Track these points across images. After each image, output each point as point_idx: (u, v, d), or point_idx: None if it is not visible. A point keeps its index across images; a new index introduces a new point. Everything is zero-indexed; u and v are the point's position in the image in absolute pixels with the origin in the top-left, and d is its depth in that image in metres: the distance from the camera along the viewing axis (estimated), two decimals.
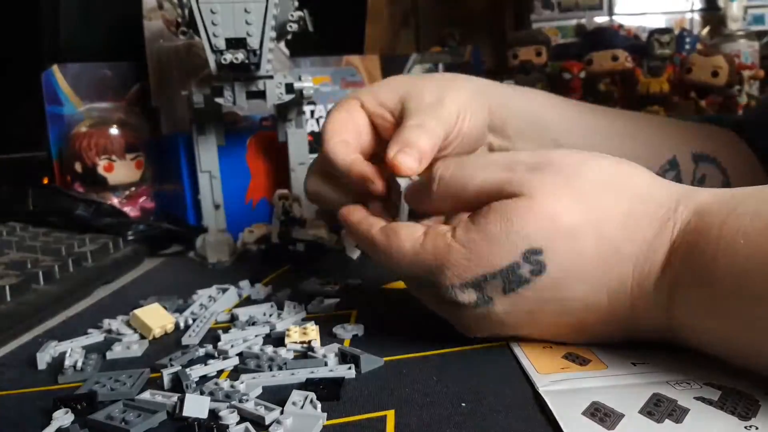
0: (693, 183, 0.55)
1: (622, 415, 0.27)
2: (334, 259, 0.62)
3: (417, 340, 0.39)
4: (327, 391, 0.32)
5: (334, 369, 0.35)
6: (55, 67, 0.79)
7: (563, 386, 0.31)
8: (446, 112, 0.45)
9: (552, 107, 0.53)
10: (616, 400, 0.28)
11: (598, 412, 0.28)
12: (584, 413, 0.28)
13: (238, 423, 0.29)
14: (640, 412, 0.28)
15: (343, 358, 0.36)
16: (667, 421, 0.27)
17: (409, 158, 0.40)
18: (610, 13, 1.56)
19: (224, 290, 0.51)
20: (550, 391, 0.30)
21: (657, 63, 1.22)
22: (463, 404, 0.30)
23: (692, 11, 1.58)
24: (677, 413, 0.27)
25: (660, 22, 1.51)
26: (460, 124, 0.46)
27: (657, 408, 0.28)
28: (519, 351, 0.35)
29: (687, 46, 1.31)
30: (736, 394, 0.29)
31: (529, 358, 0.34)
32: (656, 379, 0.31)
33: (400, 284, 0.48)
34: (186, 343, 0.41)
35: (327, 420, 0.30)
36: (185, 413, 0.30)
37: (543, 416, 0.29)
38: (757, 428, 0.26)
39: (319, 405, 0.30)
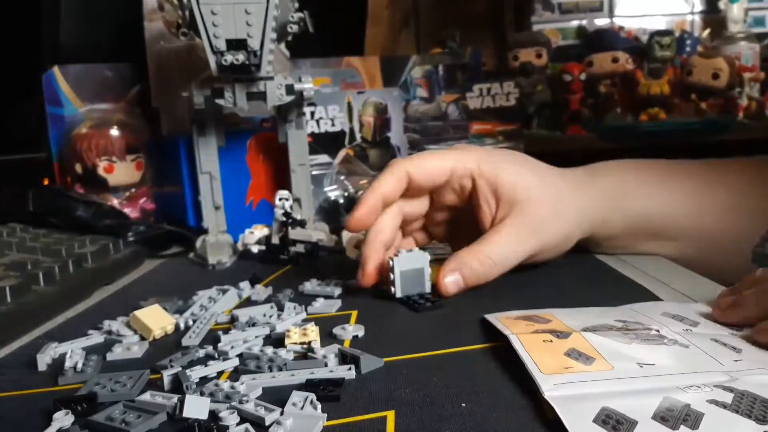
0: None
1: (636, 422, 0.26)
2: (334, 260, 0.62)
3: (417, 341, 0.39)
4: (327, 391, 0.32)
5: (334, 370, 0.35)
6: (55, 68, 0.79)
7: (570, 391, 0.29)
8: (541, 242, 0.49)
9: (647, 197, 0.54)
10: (626, 406, 0.27)
11: (609, 419, 0.27)
12: (595, 421, 0.27)
13: (238, 424, 0.29)
14: (654, 418, 0.27)
15: (343, 358, 0.36)
16: (682, 427, 0.26)
17: (453, 288, 0.47)
18: (611, 14, 1.56)
19: (224, 291, 0.51)
20: (557, 397, 0.29)
21: (657, 65, 1.22)
22: (463, 404, 0.30)
23: (693, 13, 1.58)
24: (692, 418, 0.26)
25: (660, 24, 1.51)
26: (546, 255, 0.51)
27: (670, 413, 0.27)
28: (520, 347, 0.34)
29: (687, 48, 1.31)
30: (750, 398, 0.28)
31: (531, 356, 0.33)
32: (665, 384, 0.30)
33: None
34: (186, 344, 0.41)
35: (327, 421, 0.30)
36: (185, 414, 0.30)
37: (543, 418, 0.29)
38: None
39: (319, 406, 0.30)
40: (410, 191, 0.51)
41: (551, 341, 0.35)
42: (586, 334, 0.36)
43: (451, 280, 0.47)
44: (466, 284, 0.47)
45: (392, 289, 0.47)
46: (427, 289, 0.48)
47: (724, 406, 0.27)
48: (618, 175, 0.56)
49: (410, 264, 0.47)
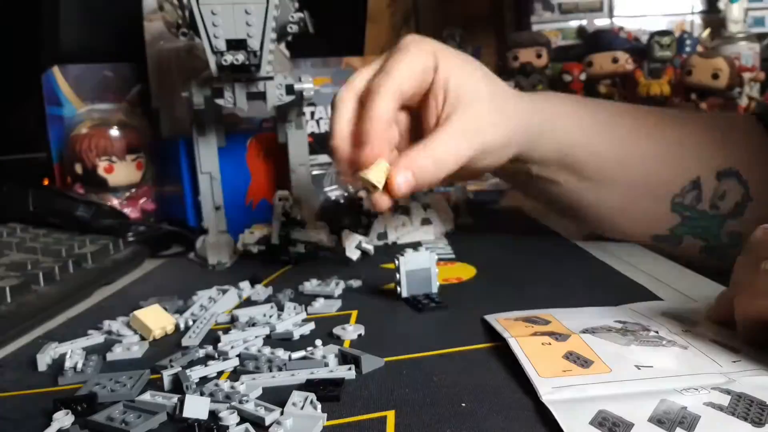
0: (713, 200, 0.56)
1: (632, 425, 0.26)
2: (334, 260, 0.62)
3: (417, 340, 0.39)
4: (327, 391, 0.32)
5: (334, 370, 0.35)
6: (55, 69, 0.79)
7: (567, 394, 0.30)
8: (483, 143, 0.49)
9: (576, 127, 0.55)
10: (623, 409, 0.28)
11: (606, 422, 0.27)
12: (592, 423, 0.27)
13: (238, 424, 0.29)
14: (650, 420, 0.27)
15: (344, 358, 0.36)
16: (678, 429, 0.26)
17: (405, 187, 0.46)
18: (611, 15, 1.56)
19: (224, 291, 0.51)
20: (554, 401, 0.29)
21: (657, 65, 1.22)
22: (463, 404, 0.30)
23: (693, 13, 1.58)
24: (688, 420, 0.26)
25: (660, 25, 1.51)
26: (487, 161, 0.51)
27: (667, 416, 0.27)
28: (518, 350, 0.34)
29: (687, 48, 1.31)
30: (747, 400, 0.28)
31: (529, 359, 0.33)
32: (663, 386, 0.30)
33: None
34: (186, 344, 0.41)
35: (327, 421, 0.30)
36: (185, 414, 0.30)
37: (543, 418, 0.29)
38: None
39: (319, 406, 0.30)
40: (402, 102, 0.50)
41: (550, 344, 0.35)
42: (584, 336, 0.36)
43: (402, 179, 0.46)
44: (416, 182, 0.47)
45: (398, 288, 0.47)
46: (434, 289, 0.47)
47: (720, 408, 0.27)
48: (556, 102, 0.56)
49: (416, 264, 0.47)
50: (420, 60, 0.48)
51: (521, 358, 0.34)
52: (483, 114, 0.49)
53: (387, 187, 0.46)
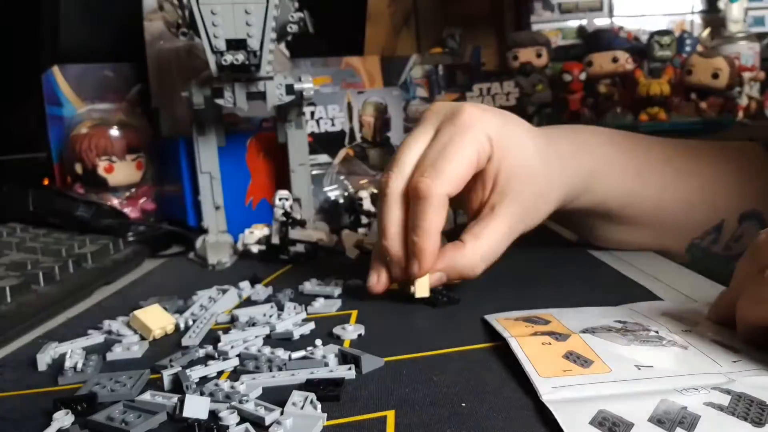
0: (728, 242, 0.56)
1: (632, 425, 0.26)
2: (334, 260, 0.62)
3: (417, 340, 0.39)
4: (327, 391, 0.32)
5: (334, 369, 0.35)
6: (55, 68, 0.79)
7: (567, 394, 0.30)
8: (527, 227, 0.48)
9: (615, 179, 0.53)
10: (623, 409, 0.27)
11: (606, 421, 0.27)
12: (592, 423, 0.27)
13: (238, 424, 0.29)
14: (650, 420, 0.27)
15: (344, 358, 0.36)
16: (678, 429, 0.26)
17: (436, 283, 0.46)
18: (611, 14, 1.56)
19: (224, 291, 0.51)
20: (554, 401, 0.29)
21: (657, 65, 1.22)
22: (463, 404, 0.30)
23: (693, 13, 1.58)
24: (688, 420, 0.26)
25: (660, 24, 1.51)
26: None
27: (667, 416, 0.27)
28: (518, 349, 0.34)
29: (687, 48, 1.31)
30: (747, 400, 0.28)
31: (529, 359, 0.33)
32: (663, 386, 0.30)
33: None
34: (186, 344, 0.41)
35: (327, 420, 0.30)
36: (185, 414, 0.30)
37: (543, 418, 0.29)
38: None
39: (319, 405, 0.30)
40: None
41: (550, 344, 0.35)
42: (585, 335, 0.36)
43: (436, 278, 0.46)
44: (449, 280, 0.47)
45: (411, 288, 0.46)
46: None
47: (720, 408, 0.27)
48: (596, 153, 0.53)
49: None
50: (476, 150, 0.45)
51: (521, 357, 0.33)
52: (531, 200, 0.48)
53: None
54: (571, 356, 0.33)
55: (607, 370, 0.32)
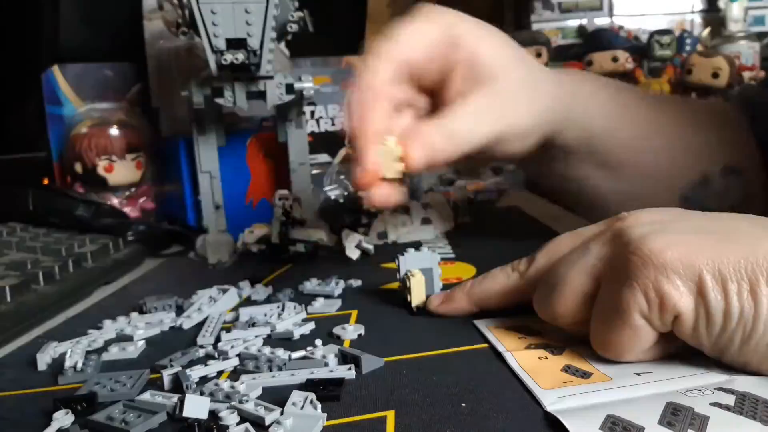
0: (717, 196, 0.55)
1: (643, 428, 0.26)
2: (334, 260, 0.62)
3: (417, 340, 0.39)
4: (327, 391, 0.32)
5: (334, 369, 0.35)
6: (55, 68, 0.79)
7: (572, 403, 0.29)
8: (509, 124, 0.45)
9: (600, 112, 0.52)
10: (631, 413, 0.27)
11: (616, 426, 0.27)
12: (602, 428, 0.26)
13: (238, 423, 0.29)
14: (660, 423, 0.27)
15: (344, 358, 0.36)
16: (689, 431, 0.26)
17: (420, 162, 0.41)
18: (611, 14, 1.56)
19: (224, 291, 0.50)
20: (560, 410, 0.29)
21: (657, 64, 1.22)
22: (463, 404, 0.30)
23: (693, 12, 1.58)
24: (698, 422, 0.26)
25: (660, 24, 1.51)
26: (512, 146, 0.47)
27: (675, 418, 0.27)
28: (515, 365, 0.34)
29: (687, 48, 1.31)
30: (752, 399, 0.28)
31: (528, 373, 0.33)
32: (666, 389, 0.30)
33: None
34: (201, 344, 0.41)
35: (327, 420, 0.30)
36: (185, 414, 0.30)
37: (544, 418, 0.29)
38: None
39: (319, 405, 0.30)
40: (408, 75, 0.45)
41: (546, 357, 0.35)
42: (579, 347, 0.35)
43: (418, 156, 0.41)
44: (433, 161, 0.42)
45: (409, 297, 0.45)
46: (437, 290, 0.46)
47: (727, 408, 0.27)
48: (581, 83, 0.52)
49: (418, 264, 0.47)
50: (431, 30, 0.43)
51: (520, 373, 0.33)
52: (511, 90, 0.44)
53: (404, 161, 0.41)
54: (570, 369, 0.33)
55: (608, 378, 0.32)
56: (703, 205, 0.55)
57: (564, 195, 0.60)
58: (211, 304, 0.48)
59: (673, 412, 0.27)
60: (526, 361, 0.35)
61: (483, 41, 0.44)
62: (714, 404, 0.28)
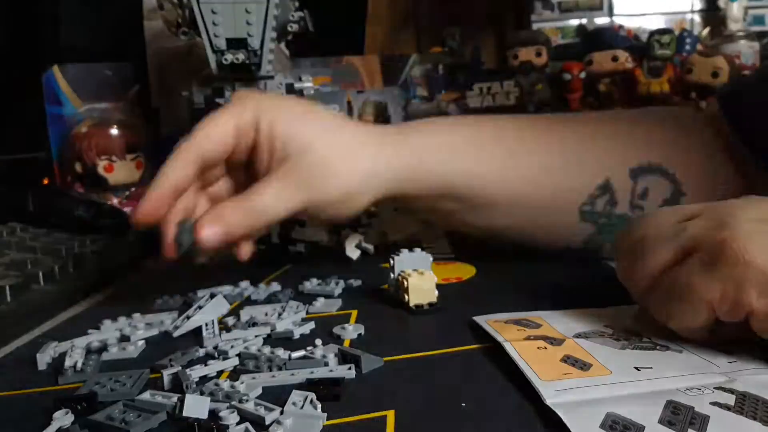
0: (633, 200, 0.53)
1: (643, 427, 0.26)
2: (334, 260, 0.62)
3: (417, 340, 0.39)
4: (327, 391, 0.32)
5: (334, 370, 0.35)
6: (55, 68, 0.79)
7: (572, 397, 0.29)
8: (318, 195, 0.46)
9: (452, 156, 0.51)
10: (631, 410, 0.27)
11: (616, 424, 0.27)
12: (602, 426, 0.26)
13: (238, 423, 0.29)
14: (660, 422, 0.27)
15: (344, 358, 0.36)
16: (690, 430, 0.26)
17: (213, 238, 0.43)
18: (611, 13, 1.56)
19: (224, 291, 0.51)
20: (559, 404, 0.29)
21: (657, 63, 1.22)
22: (463, 404, 0.30)
23: (692, 12, 1.57)
24: (698, 421, 0.26)
25: (660, 23, 1.51)
26: (338, 209, 0.48)
27: (676, 417, 0.27)
28: (515, 354, 0.34)
29: (687, 47, 1.31)
30: (753, 399, 0.28)
31: (527, 363, 0.33)
32: (666, 386, 0.30)
33: None
34: (207, 345, 0.40)
35: (327, 420, 0.30)
36: (185, 414, 0.30)
37: (544, 418, 0.29)
38: None
39: (319, 405, 0.30)
40: (206, 165, 0.47)
41: (545, 348, 0.35)
42: (579, 340, 0.36)
43: (209, 232, 0.43)
44: (227, 234, 0.44)
45: (406, 297, 0.45)
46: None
47: (728, 408, 0.27)
48: (430, 133, 0.52)
49: (412, 264, 0.47)
50: (228, 118, 0.46)
51: (519, 362, 0.33)
52: (316, 164, 0.46)
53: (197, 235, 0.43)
54: (569, 360, 0.33)
55: (607, 372, 0.32)
56: (611, 214, 0.53)
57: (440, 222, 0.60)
58: (211, 305, 0.48)
59: (674, 411, 0.27)
60: (526, 351, 0.34)
61: (286, 122, 0.46)
62: (714, 403, 0.28)
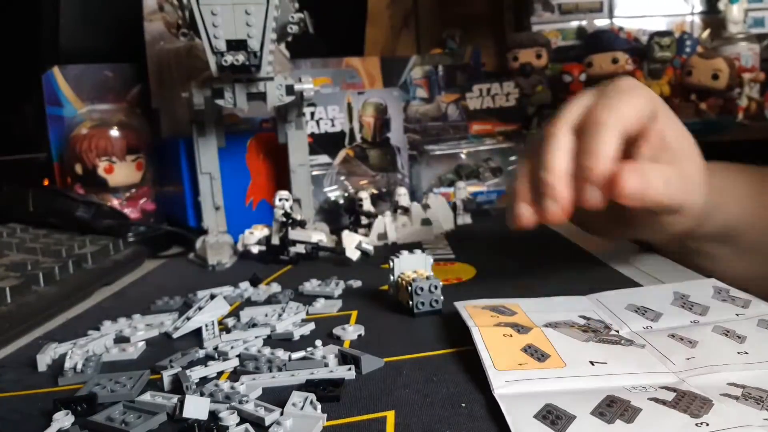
0: None
1: (574, 417, 0.27)
2: (334, 261, 0.62)
3: (417, 341, 0.39)
4: (327, 391, 0.32)
5: (334, 370, 0.35)
6: (55, 69, 0.79)
7: (519, 388, 0.30)
8: (690, 199, 0.46)
9: (738, 202, 0.52)
10: (569, 403, 0.28)
11: (550, 414, 0.28)
12: (536, 416, 0.27)
13: (238, 424, 0.29)
14: (592, 413, 0.27)
15: (344, 358, 0.36)
16: (618, 421, 0.27)
17: (637, 189, 0.42)
18: (611, 15, 1.56)
19: (223, 292, 0.50)
20: (504, 395, 0.30)
21: (657, 65, 1.22)
22: (463, 404, 0.30)
23: (692, 14, 1.58)
24: (629, 413, 0.27)
25: (660, 25, 1.51)
26: (672, 225, 0.48)
27: (609, 409, 0.28)
28: (479, 340, 0.35)
29: (687, 49, 1.31)
30: (691, 396, 0.28)
31: (488, 350, 0.34)
32: (613, 383, 0.30)
33: None
34: (207, 346, 0.40)
35: (327, 421, 0.30)
36: (185, 414, 0.30)
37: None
38: (707, 424, 0.26)
39: (319, 406, 0.30)
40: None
41: (511, 335, 0.36)
42: (546, 329, 0.36)
43: (636, 181, 0.42)
44: (642, 196, 0.43)
45: (410, 303, 0.45)
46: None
47: (663, 403, 0.28)
48: (722, 176, 0.52)
49: (411, 266, 0.47)
50: (644, 103, 0.44)
51: (480, 348, 0.34)
52: (694, 173, 0.46)
53: (610, 187, 0.41)
54: (530, 349, 0.34)
55: (562, 365, 0.32)
56: None
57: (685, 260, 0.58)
58: (210, 305, 0.48)
59: (609, 404, 0.28)
60: (490, 337, 0.35)
61: (676, 126, 0.46)
62: (652, 399, 0.28)
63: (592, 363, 0.32)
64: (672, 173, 0.45)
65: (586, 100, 0.45)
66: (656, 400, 0.28)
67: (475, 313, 0.39)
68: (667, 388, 0.29)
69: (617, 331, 0.37)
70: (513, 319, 0.38)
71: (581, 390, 0.30)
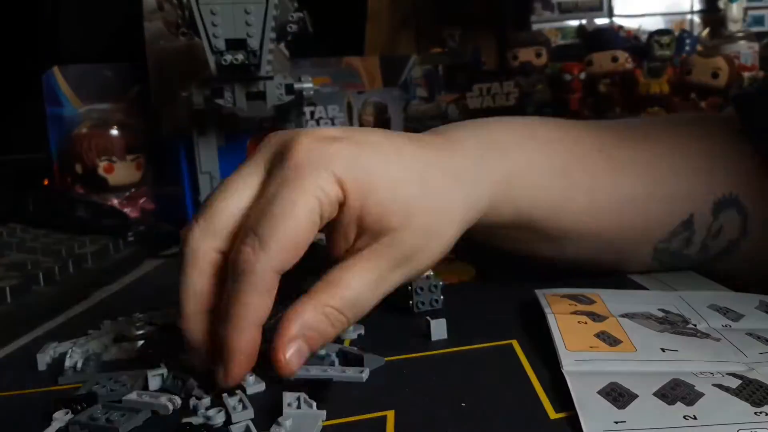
0: (704, 240, 0.47)
1: (636, 396, 0.27)
2: (333, 261, 0.62)
3: (417, 340, 0.39)
4: (314, 391, 0.31)
5: (345, 371, 0.34)
6: (55, 69, 0.79)
7: (587, 367, 0.31)
8: (418, 269, 0.37)
9: (539, 182, 0.43)
10: (634, 383, 0.28)
11: (613, 392, 0.28)
12: (600, 392, 0.28)
13: (237, 424, 0.29)
14: (654, 394, 0.28)
15: (345, 358, 0.36)
16: (678, 403, 0.27)
17: (297, 361, 0.32)
18: (610, 14, 1.56)
19: None
20: (572, 372, 0.30)
21: (657, 64, 1.22)
22: (463, 404, 0.30)
23: (692, 12, 1.58)
24: (690, 397, 0.27)
25: (660, 24, 1.51)
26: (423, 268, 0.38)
27: (672, 391, 0.28)
28: (554, 325, 0.35)
29: (687, 48, 1.31)
30: (756, 385, 0.28)
31: (561, 333, 0.34)
32: (682, 368, 0.30)
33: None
34: None
35: (327, 420, 0.30)
36: (433, 338, 0.37)
37: (544, 417, 0.29)
38: (767, 414, 0.26)
39: (314, 403, 0.30)
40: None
41: (586, 323, 0.36)
42: (622, 319, 0.36)
43: (294, 352, 0.32)
44: (311, 350, 0.33)
45: (410, 302, 0.44)
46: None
47: (726, 389, 0.28)
48: (517, 153, 0.42)
49: None
50: (313, 204, 0.33)
51: (554, 332, 0.34)
52: (420, 234, 0.35)
53: (275, 363, 0.31)
54: (602, 335, 0.34)
55: (633, 350, 0.33)
56: (680, 254, 0.47)
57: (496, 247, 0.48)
58: None
59: (673, 387, 0.28)
60: (565, 323, 0.35)
61: (377, 190, 0.35)
62: (716, 385, 0.28)
63: (663, 350, 0.33)
64: (353, 280, 0.35)
65: (246, 188, 0.35)
66: (720, 386, 0.28)
67: (553, 300, 0.39)
68: (735, 375, 0.29)
69: (695, 326, 0.37)
70: (590, 308, 0.38)
71: (648, 372, 0.30)
